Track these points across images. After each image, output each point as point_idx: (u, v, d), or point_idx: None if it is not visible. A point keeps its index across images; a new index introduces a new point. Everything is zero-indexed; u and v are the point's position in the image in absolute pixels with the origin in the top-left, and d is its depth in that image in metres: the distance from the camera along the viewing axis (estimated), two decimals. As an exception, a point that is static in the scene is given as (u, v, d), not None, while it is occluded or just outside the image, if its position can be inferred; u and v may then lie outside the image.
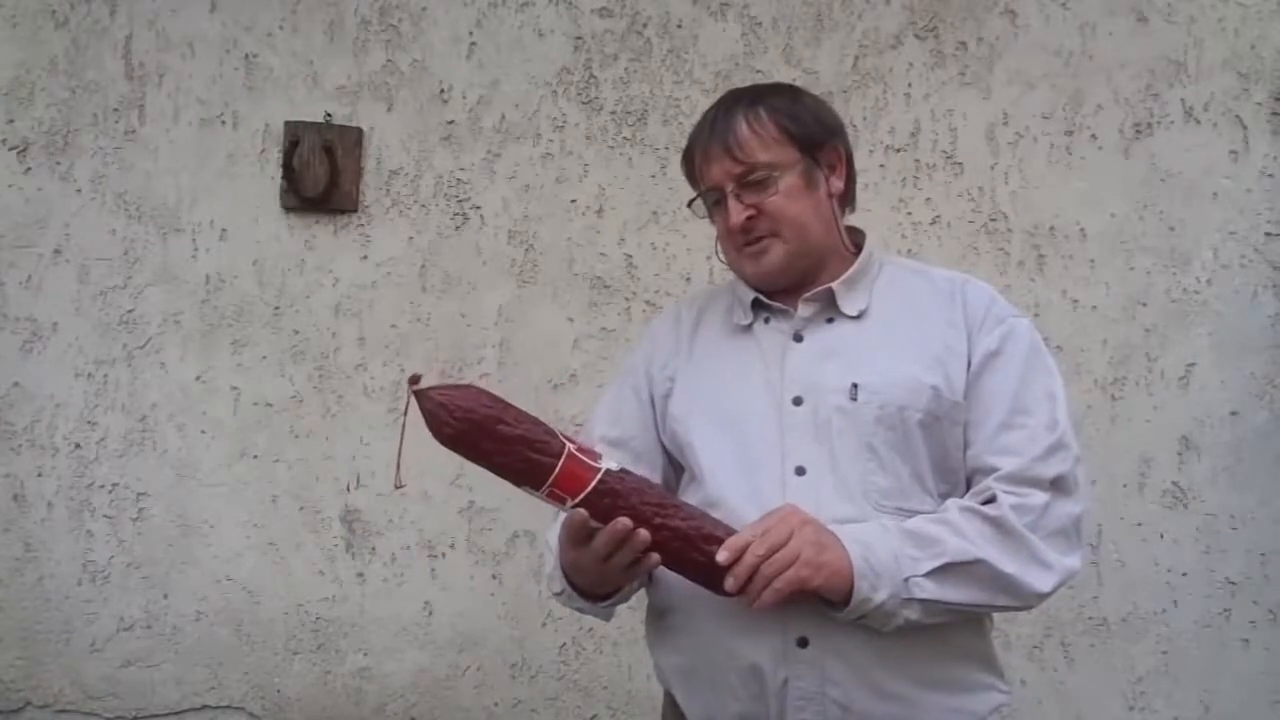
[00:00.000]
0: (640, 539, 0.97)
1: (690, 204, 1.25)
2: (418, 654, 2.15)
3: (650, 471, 1.20)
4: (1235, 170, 2.10)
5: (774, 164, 1.14)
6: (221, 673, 2.16)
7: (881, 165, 2.13)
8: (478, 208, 2.18)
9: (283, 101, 2.19)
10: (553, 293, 2.17)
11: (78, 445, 2.17)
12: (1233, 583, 2.06)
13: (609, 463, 1.02)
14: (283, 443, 2.17)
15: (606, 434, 1.24)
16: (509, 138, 2.19)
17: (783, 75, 2.12)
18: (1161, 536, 2.07)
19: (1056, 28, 2.13)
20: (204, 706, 2.16)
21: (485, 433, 0.98)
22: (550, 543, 1.16)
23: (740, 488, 1.10)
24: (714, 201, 1.19)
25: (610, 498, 0.98)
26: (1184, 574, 2.07)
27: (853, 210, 1.28)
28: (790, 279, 1.18)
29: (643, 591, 1.20)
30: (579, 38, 2.19)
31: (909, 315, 1.16)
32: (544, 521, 1.34)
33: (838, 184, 1.20)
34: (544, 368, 2.16)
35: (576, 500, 0.98)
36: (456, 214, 2.18)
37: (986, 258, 2.11)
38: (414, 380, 1.00)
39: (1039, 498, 1.04)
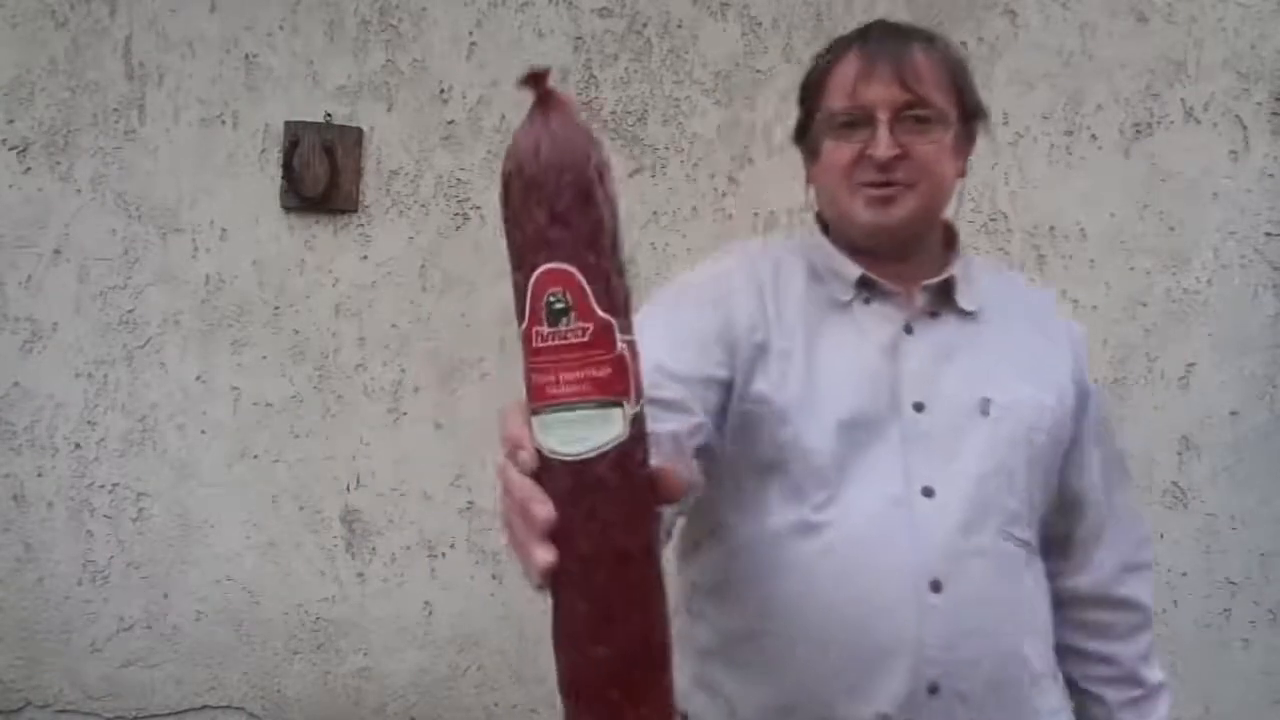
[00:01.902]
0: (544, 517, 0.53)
1: (802, 130, 1.06)
2: (418, 654, 2.15)
3: (689, 434, 0.88)
4: (1235, 170, 2.10)
5: (944, 110, 0.98)
6: (221, 673, 2.16)
7: (881, 165, 2.13)
8: (478, 208, 2.18)
9: (283, 101, 2.19)
10: (553, 293, 2.17)
11: (78, 445, 2.17)
12: (1233, 583, 2.06)
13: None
14: (283, 443, 2.17)
15: (667, 363, 0.88)
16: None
17: (783, 75, 2.13)
18: (1161, 536, 2.07)
19: (1056, 28, 2.13)
20: (204, 706, 2.16)
21: (566, 194, 0.55)
22: None
23: (856, 509, 0.93)
24: (844, 124, 0.99)
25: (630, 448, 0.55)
26: (1184, 574, 2.07)
27: None
28: (896, 245, 1.01)
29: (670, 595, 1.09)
30: (579, 38, 2.19)
31: (1014, 321, 1.04)
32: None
33: (965, 167, 1.06)
34: (544, 368, 2.16)
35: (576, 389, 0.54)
36: (456, 214, 2.18)
37: (986, 258, 2.11)
38: (536, 79, 0.58)
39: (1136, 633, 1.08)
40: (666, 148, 2.16)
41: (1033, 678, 0.96)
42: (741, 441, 0.97)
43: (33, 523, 2.17)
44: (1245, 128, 2.10)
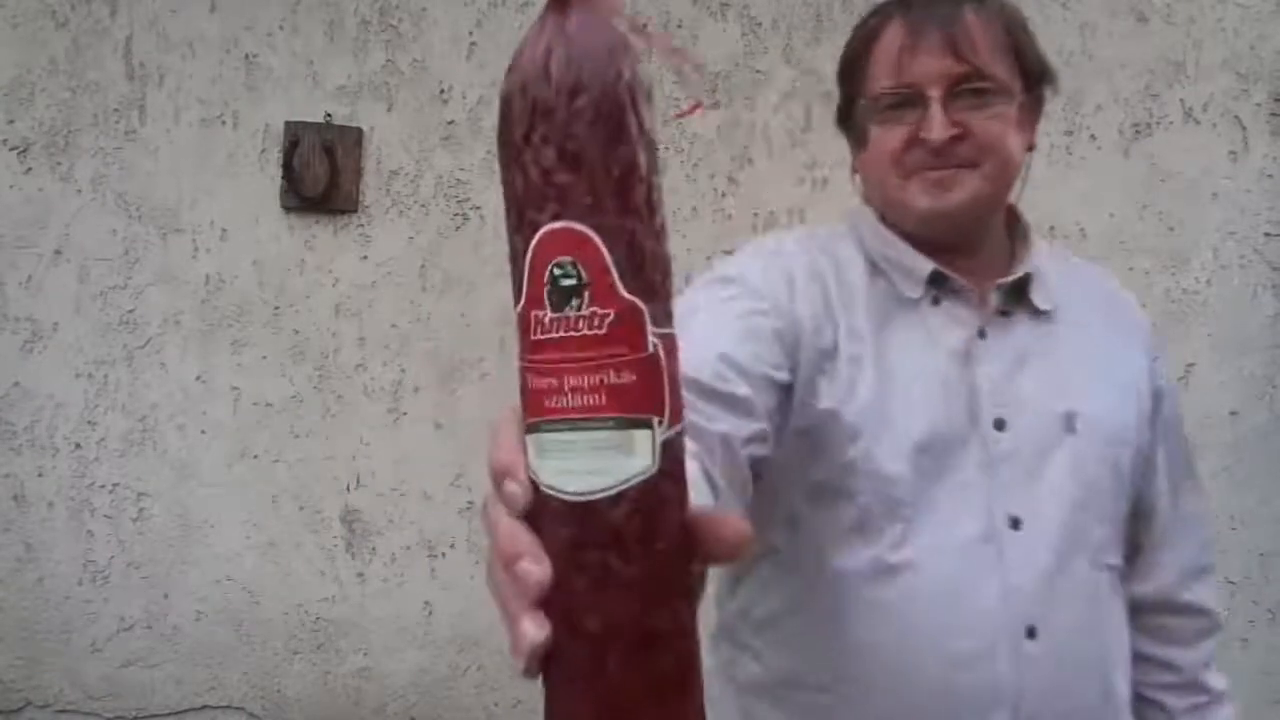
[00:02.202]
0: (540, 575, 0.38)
1: (843, 115, 0.95)
2: (418, 654, 2.15)
3: (744, 441, 0.75)
4: (1235, 170, 2.10)
5: (1004, 81, 0.86)
6: (221, 673, 2.16)
7: (881, 165, 2.13)
8: (478, 208, 2.19)
9: (283, 101, 2.19)
10: (553, 293, 2.17)
11: (78, 445, 2.17)
12: (1233, 583, 2.06)
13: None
14: (283, 443, 2.17)
15: (734, 354, 0.78)
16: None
17: (782, 75, 2.13)
18: (1161, 536, 2.07)
19: (1056, 28, 2.13)
20: (204, 706, 2.16)
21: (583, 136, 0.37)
22: None
23: (938, 547, 0.83)
24: (893, 105, 0.87)
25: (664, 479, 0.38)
26: (1184, 574, 2.07)
27: None
28: (958, 234, 0.90)
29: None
30: (579, 38, 2.19)
31: (1088, 318, 0.94)
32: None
33: (1034, 139, 0.95)
34: (544, 368, 2.16)
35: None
36: (456, 214, 2.19)
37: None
38: None
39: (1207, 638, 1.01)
40: (666, 148, 2.16)
41: (1121, 709, 0.92)
42: (798, 457, 0.85)
43: (33, 523, 2.17)
44: (1245, 128, 2.10)
